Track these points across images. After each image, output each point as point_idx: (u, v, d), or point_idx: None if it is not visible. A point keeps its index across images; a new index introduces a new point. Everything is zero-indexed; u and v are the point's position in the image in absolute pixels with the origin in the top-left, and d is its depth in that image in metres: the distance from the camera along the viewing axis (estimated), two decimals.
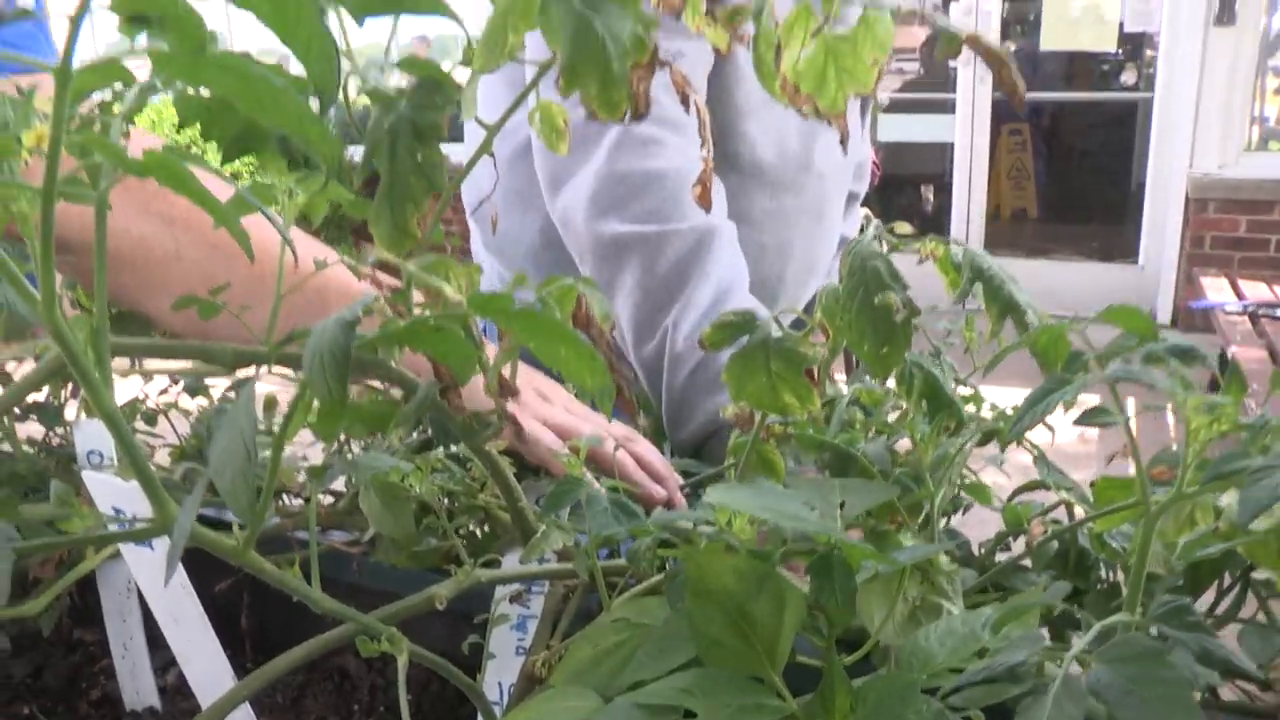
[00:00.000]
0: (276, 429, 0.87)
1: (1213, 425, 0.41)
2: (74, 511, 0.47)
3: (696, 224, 1.00)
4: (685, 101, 0.58)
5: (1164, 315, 5.50)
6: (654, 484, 0.79)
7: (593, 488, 0.53)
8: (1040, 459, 0.68)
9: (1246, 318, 3.89)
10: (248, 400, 0.38)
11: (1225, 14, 5.03)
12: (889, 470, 0.61)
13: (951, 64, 5.63)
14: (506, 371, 0.46)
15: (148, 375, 0.91)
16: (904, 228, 0.58)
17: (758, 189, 1.16)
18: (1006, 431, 0.51)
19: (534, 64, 0.54)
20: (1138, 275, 5.61)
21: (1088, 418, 0.47)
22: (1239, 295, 4.25)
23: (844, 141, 0.59)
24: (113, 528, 0.60)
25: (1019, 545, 0.70)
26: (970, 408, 0.70)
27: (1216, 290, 4.35)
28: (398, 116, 0.54)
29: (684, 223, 0.99)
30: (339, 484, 0.91)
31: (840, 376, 0.91)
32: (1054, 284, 5.81)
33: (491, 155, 0.59)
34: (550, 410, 0.79)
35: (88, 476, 0.55)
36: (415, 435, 0.81)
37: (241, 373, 0.62)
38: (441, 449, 0.71)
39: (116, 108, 0.40)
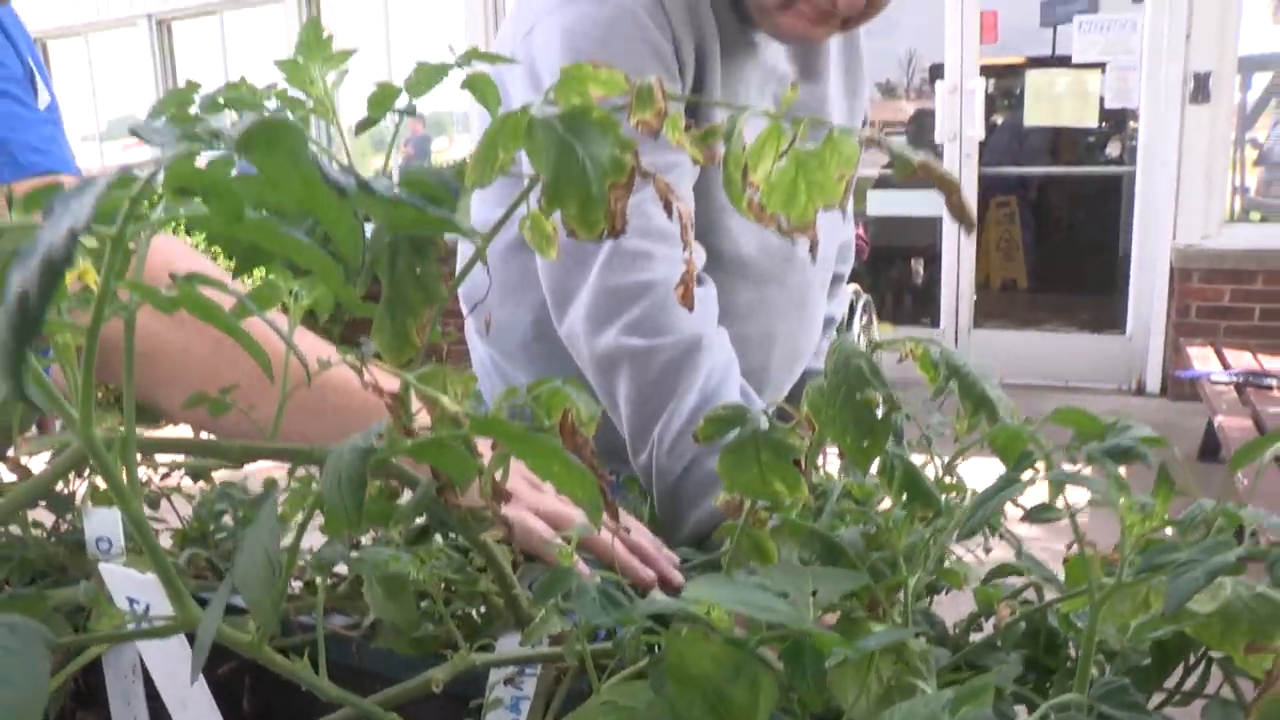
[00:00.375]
0: (281, 509, 0.90)
1: (1145, 522, 0.45)
2: (103, 609, 0.50)
3: (682, 336, 1.04)
4: (669, 208, 0.62)
5: (1153, 384, 5.55)
6: (644, 567, 0.82)
7: (583, 577, 0.56)
8: (1014, 543, 0.72)
9: (1232, 387, 3.94)
10: (270, 516, 0.42)
11: (1200, 93, 5.17)
12: (866, 556, 0.64)
13: (937, 140, 5.75)
14: (499, 475, 0.50)
15: (154, 464, 0.94)
16: (886, 329, 0.62)
17: (741, 282, 1.21)
18: (962, 525, 0.55)
19: (525, 176, 0.58)
20: (1126, 345, 5.67)
21: (1034, 514, 0.50)
22: (1224, 365, 4.30)
23: (813, 250, 0.63)
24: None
25: (991, 625, 0.73)
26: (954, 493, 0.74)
27: (1202, 360, 4.41)
28: (397, 233, 0.59)
29: (670, 335, 1.03)
30: (340, 566, 0.94)
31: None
32: (1044, 355, 5.88)
33: (485, 262, 0.63)
34: (542, 498, 0.82)
35: (104, 568, 0.58)
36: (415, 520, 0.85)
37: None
38: (439, 537, 0.75)
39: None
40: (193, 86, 0.67)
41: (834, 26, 1.16)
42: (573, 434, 0.50)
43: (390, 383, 0.51)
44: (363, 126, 0.65)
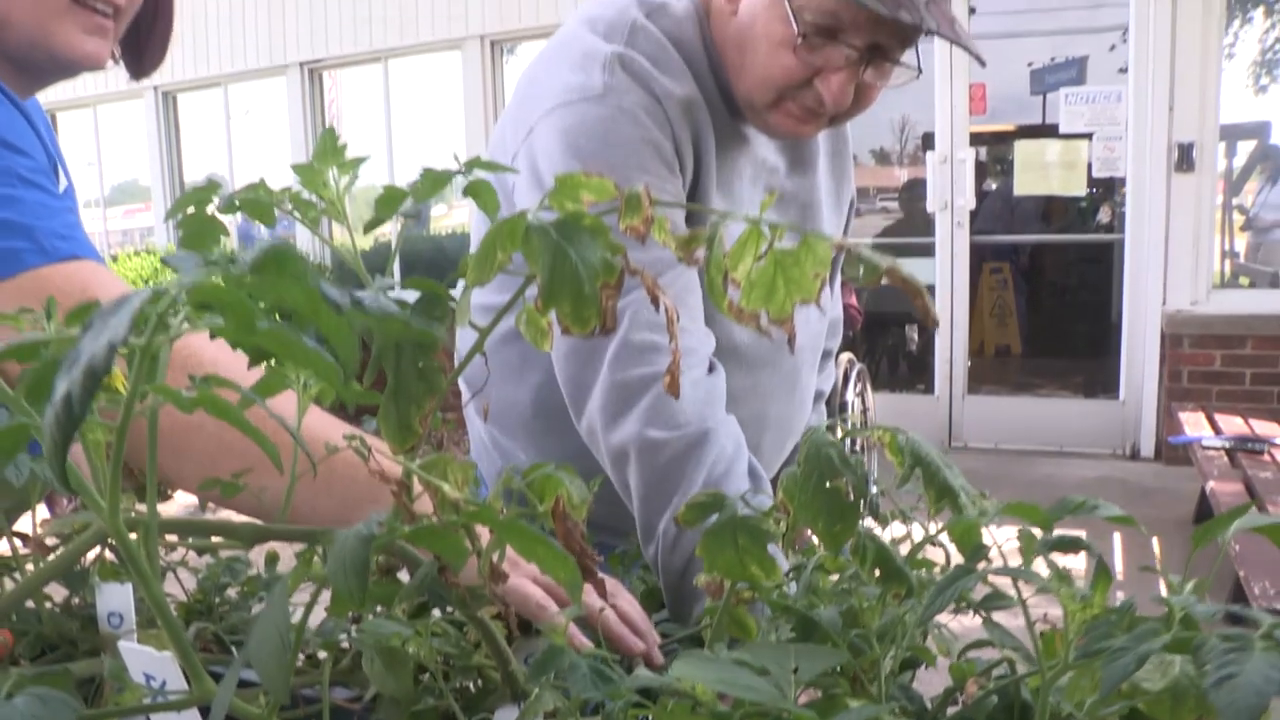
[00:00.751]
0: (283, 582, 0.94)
1: (1085, 610, 0.49)
2: (125, 684, 0.53)
3: (688, 430, 1.06)
4: (656, 304, 0.67)
5: (1148, 449, 5.59)
6: (634, 638, 0.85)
7: (574, 655, 0.59)
8: (987, 621, 0.75)
9: (1223, 452, 3.97)
10: (281, 597, 0.45)
11: (1184, 162, 5.29)
12: (843, 634, 0.67)
13: (929, 209, 5.84)
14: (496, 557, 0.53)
15: (163, 539, 0.97)
16: (854, 418, 0.66)
17: (735, 367, 1.24)
18: (922, 614, 0.58)
19: (520, 274, 0.63)
20: (1119, 410, 5.71)
21: (986, 603, 0.54)
22: (1216, 430, 4.34)
23: (791, 343, 0.68)
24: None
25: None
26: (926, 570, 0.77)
27: (1194, 425, 4.45)
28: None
29: (676, 430, 1.06)
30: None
31: None
32: (1038, 420, 5.92)
33: (484, 354, 0.67)
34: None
35: (123, 646, 0.61)
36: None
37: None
38: (438, 612, 0.78)
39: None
40: (213, 186, 0.71)
41: (822, 124, 1.21)
42: (563, 518, 0.53)
43: (395, 467, 0.55)
44: (370, 227, 0.70)
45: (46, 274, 0.92)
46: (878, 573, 0.67)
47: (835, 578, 0.73)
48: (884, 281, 0.59)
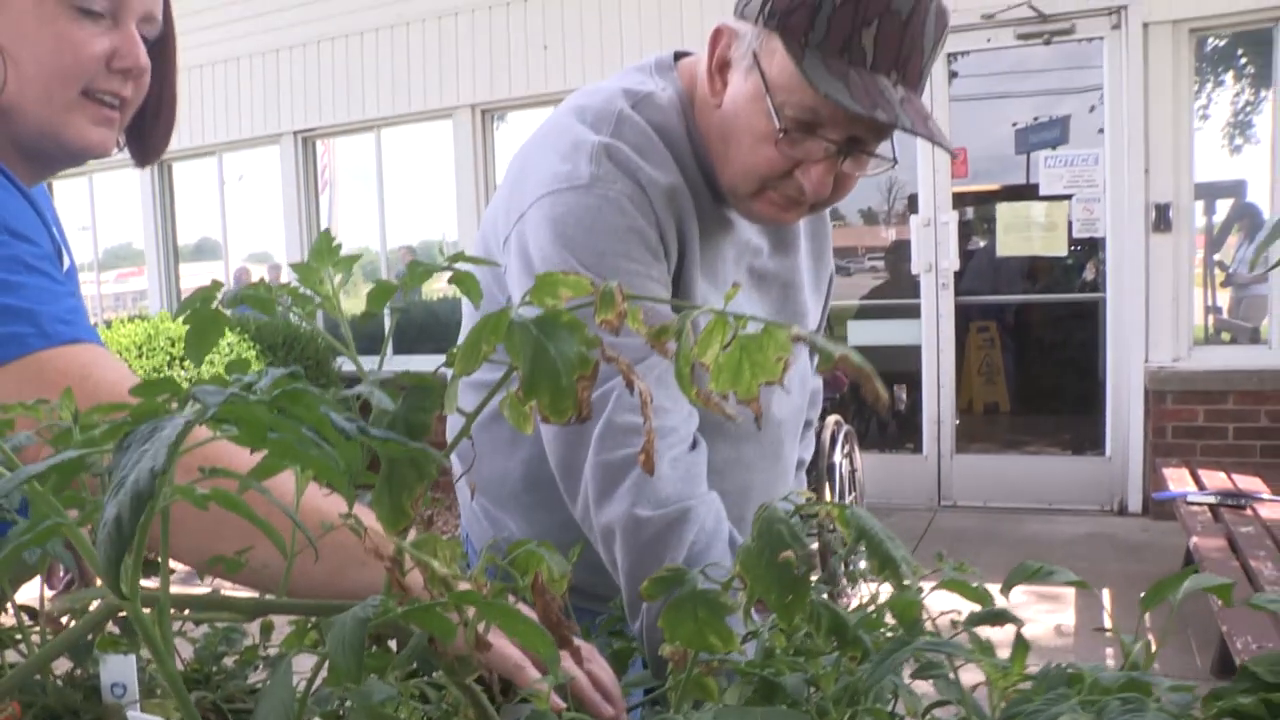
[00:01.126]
0: (274, 651, 0.98)
1: (1006, 678, 0.54)
2: None
3: (669, 508, 1.11)
4: (630, 387, 0.72)
5: (1135, 504, 5.64)
6: (604, 704, 0.89)
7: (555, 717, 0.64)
8: (940, 679, 0.80)
9: (1207, 508, 4.02)
10: (286, 673, 0.50)
11: (1161, 221, 5.40)
12: (805, 698, 0.72)
13: (914, 271, 5.94)
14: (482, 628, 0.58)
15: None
16: (808, 495, 0.71)
17: (719, 440, 1.29)
18: (865, 684, 0.63)
19: (503, 364, 0.68)
20: (1106, 466, 5.77)
21: (922, 671, 0.59)
22: (1199, 485, 4.39)
23: (758, 420, 0.73)
24: None
25: None
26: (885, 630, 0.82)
27: (1178, 480, 4.50)
28: (394, 416, 0.68)
29: (659, 508, 1.11)
30: None
31: None
32: (1027, 477, 5.96)
33: (470, 437, 0.73)
34: None
35: (132, 717, 0.66)
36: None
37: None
38: (424, 676, 0.82)
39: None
40: (216, 285, 0.77)
41: (803, 211, 1.26)
42: (542, 593, 0.58)
43: (388, 545, 0.60)
44: (363, 320, 0.75)
45: (48, 357, 0.97)
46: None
47: (793, 642, 0.78)
48: (850, 358, 0.64)
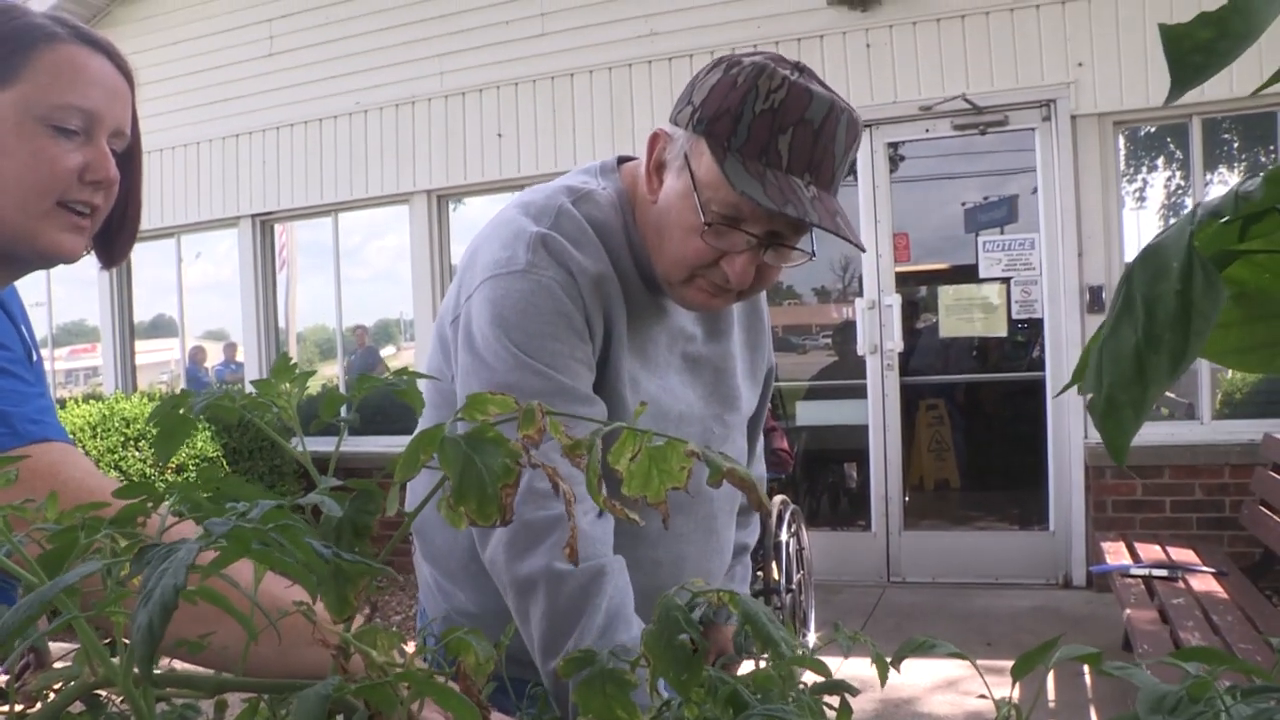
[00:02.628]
0: None
1: None
2: None
3: (588, 565, 1.22)
4: (555, 488, 0.82)
5: (1079, 577, 5.76)
6: None
7: None
8: None
9: (1141, 580, 4.15)
10: None
11: (1095, 303, 5.62)
12: None
13: (859, 352, 6.10)
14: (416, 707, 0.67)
15: None
16: (698, 583, 0.82)
17: (652, 511, 1.39)
18: None
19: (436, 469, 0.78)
20: (1050, 540, 5.90)
21: None
22: (1135, 558, 4.53)
23: (665, 522, 0.83)
24: None
25: None
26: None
27: (1115, 554, 4.64)
28: (341, 518, 0.78)
29: (577, 565, 1.22)
30: None
31: None
32: (975, 552, 6.08)
33: (411, 535, 0.82)
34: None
35: None
36: None
37: None
38: None
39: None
40: (187, 395, 0.86)
41: (730, 298, 1.38)
42: (464, 679, 0.68)
43: (335, 640, 0.69)
44: (315, 429, 0.85)
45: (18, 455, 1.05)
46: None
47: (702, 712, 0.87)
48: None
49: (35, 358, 1.32)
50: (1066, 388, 0.59)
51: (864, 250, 1.37)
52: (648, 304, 1.42)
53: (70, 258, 1.21)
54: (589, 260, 1.34)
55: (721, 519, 1.55)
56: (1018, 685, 0.75)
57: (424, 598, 1.57)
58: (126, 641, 0.79)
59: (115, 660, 0.73)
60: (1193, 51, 0.38)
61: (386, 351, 8.35)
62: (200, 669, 0.94)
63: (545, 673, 1.23)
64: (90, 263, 1.36)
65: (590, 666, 0.76)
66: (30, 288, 8.94)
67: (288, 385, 0.87)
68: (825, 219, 1.24)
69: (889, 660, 0.83)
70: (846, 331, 6.52)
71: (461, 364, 1.35)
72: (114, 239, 1.33)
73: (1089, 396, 0.44)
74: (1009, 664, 0.75)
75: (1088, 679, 4.32)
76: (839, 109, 1.25)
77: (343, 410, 0.88)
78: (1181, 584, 4.06)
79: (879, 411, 6.08)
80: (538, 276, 1.31)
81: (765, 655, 0.98)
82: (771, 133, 1.23)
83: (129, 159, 1.26)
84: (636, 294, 1.40)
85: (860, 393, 6.16)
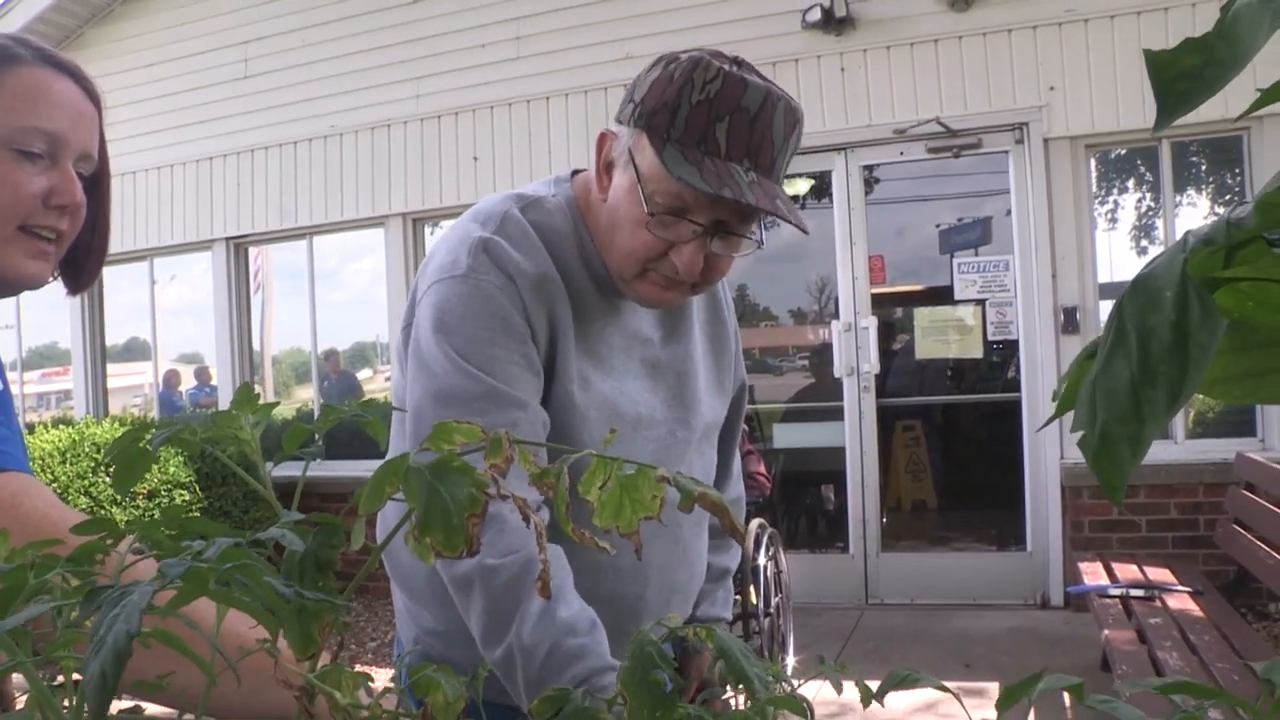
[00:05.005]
0: None
1: None
2: None
3: (516, 556, 1.24)
4: (527, 520, 0.80)
5: (1057, 598, 5.77)
6: None
7: None
8: None
9: (1119, 600, 4.15)
10: None
11: (1069, 324, 5.65)
12: None
13: (836, 374, 6.11)
14: None
15: None
16: (676, 620, 0.80)
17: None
18: None
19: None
20: (1028, 561, 5.91)
21: None
22: (1112, 578, 4.53)
23: (638, 553, 0.81)
24: None
25: None
26: None
27: (1092, 574, 4.64)
28: (305, 553, 0.75)
29: (509, 555, 1.24)
30: None
31: None
32: (952, 573, 6.08)
33: (382, 563, 0.80)
34: None
35: None
36: None
37: None
38: None
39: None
40: (147, 425, 0.84)
41: (684, 290, 1.39)
42: (431, 718, 0.66)
43: (298, 683, 0.67)
44: (278, 461, 0.83)
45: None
46: None
47: None
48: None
49: (1, 386, 1.29)
50: (1050, 420, 0.57)
51: (807, 233, 1.38)
52: (600, 306, 1.44)
53: (34, 283, 1.19)
54: (530, 263, 1.37)
55: (687, 528, 1.54)
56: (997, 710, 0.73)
57: (398, 620, 1.57)
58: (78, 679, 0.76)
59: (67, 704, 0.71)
60: (1178, 79, 0.36)
61: (364, 374, 8.30)
62: (160, 709, 0.92)
63: (490, 659, 1.25)
64: (62, 286, 1.34)
65: (565, 705, 0.74)
66: (0, 310, 8.85)
67: (250, 416, 0.85)
68: (763, 201, 1.26)
69: (873, 691, 0.81)
70: (823, 354, 6.53)
71: (409, 369, 1.38)
72: (81, 264, 1.31)
73: (1080, 434, 0.43)
74: (988, 685, 0.74)
75: (1066, 699, 4.31)
76: (775, 96, 1.28)
77: (316, 438, 0.86)
78: (1158, 603, 4.07)
79: (856, 433, 6.08)
80: (477, 280, 1.34)
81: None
82: (708, 121, 1.26)
83: (96, 183, 1.24)
84: (586, 296, 1.42)
85: (837, 415, 6.16)
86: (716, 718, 0.78)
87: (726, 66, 1.28)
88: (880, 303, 6.33)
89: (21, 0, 7.95)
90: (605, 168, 1.39)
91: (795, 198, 6.91)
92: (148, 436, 0.85)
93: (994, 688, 4.41)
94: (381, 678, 1.87)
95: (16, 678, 0.84)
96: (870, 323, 6.06)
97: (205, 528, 0.70)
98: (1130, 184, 6.24)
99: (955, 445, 8.19)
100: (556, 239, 1.41)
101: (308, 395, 7.97)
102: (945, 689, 0.84)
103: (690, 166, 1.25)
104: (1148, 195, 6.11)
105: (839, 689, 0.78)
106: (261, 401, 0.85)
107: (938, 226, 6.82)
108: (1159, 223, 5.94)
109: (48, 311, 8.91)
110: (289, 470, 0.84)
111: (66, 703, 0.65)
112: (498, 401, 1.30)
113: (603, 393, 1.42)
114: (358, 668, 0.74)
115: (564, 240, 1.41)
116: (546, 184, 1.49)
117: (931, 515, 7.81)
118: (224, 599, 0.53)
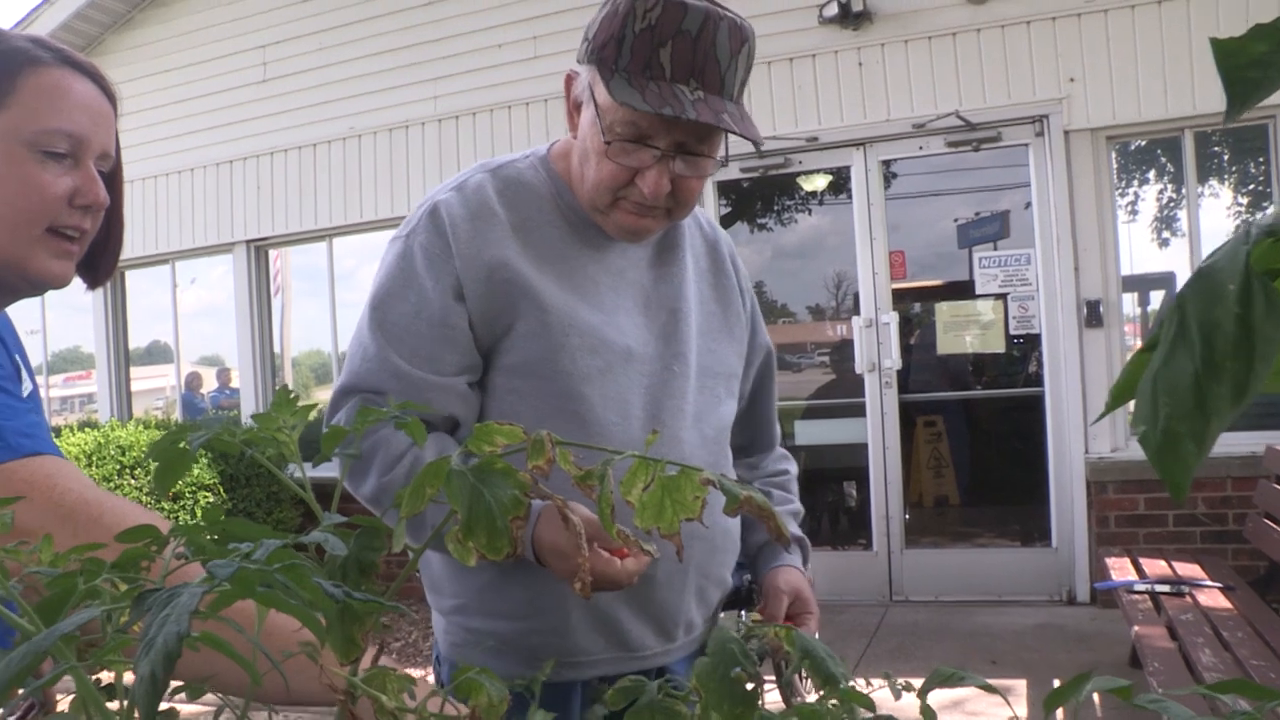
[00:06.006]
0: None
1: None
2: None
3: (402, 449, 1.42)
4: (565, 520, 0.79)
5: (1083, 594, 5.72)
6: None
7: None
8: None
9: (1147, 596, 4.11)
10: None
11: (1093, 317, 5.61)
12: None
13: (857, 370, 6.09)
14: None
15: None
16: (756, 616, 0.79)
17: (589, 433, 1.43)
18: None
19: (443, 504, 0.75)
20: (1053, 556, 5.87)
21: None
22: (1140, 573, 4.50)
23: (679, 554, 0.81)
24: None
25: None
26: None
27: (1120, 570, 4.60)
28: (345, 556, 0.75)
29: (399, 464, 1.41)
30: None
31: None
32: (976, 569, 6.04)
33: (418, 571, 0.80)
34: None
35: None
36: None
37: None
38: None
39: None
40: (186, 429, 0.84)
41: (659, 215, 1.45)
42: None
43: (341, 685, 0.66)
44: (317, 462, 0.83)
45: (13, 468, 1.03)
46: None
47: None
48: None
49: (30, 387, 1.30)
50: (1103, 415, 0.57)
51: (760, 144, 1.42)
52: (580, 247, 1.49)
53: (59, 283, 1.20)
54: (481, 214, 1.45)
55: (688, 443, 1.54)
56: (1025, 704, 0.73)
57: (436, 623, 1.61)
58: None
59: (113, 706, 0.71)
60: (1248, 66, 0.36)
61: None
62: (195, 708, 0.91)
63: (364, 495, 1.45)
64: (83, 289, 1.36)
65: (640, 697, 0.74)
66: (25, 315, 8.91)
67: (288, 418, 0.85)
68: (706, 115, 1.32)
69: (916, 691, 0.81)
70: (843, 350, 6.50)
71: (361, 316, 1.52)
72: (98, 260, 1.33)
73: (1140, 430, 0.42)
74: (1015, 683, 0.74)
75: (1095, 695, 4.28)
76: (716, 16, 1.34)
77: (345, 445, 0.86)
78: (1188, 599, 4.03)
79: (878, 429, 6.06)
80: (410, 241, 1.46)
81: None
82: (651, 48, 1.33)
83: (111, 180, 1.26)
84: (563, 240, 1.49)
85: (858, 411, 6.13)
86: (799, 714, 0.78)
87: None
88: (900, 298, 6.30)
89: (45, 9, 8.01)
90: (575, 107, 1.46)
91: (813, 193, 6.89)
92: (187, 438, 0.85)
93: (1021, 685, 4.38)
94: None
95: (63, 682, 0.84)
96: (891, 318, 6.03)
97: (245, 530, 0.70)
98: (1151, 175, 6.19)
99: (978, 440, 8.14)
100: (526, 192, 1.49)
101: (327, 396, 7.99)
102: (991, 689, 0.83)
103: (634, 91, 1.32)
104: (1169, 186, 6.06)
105: (897, 695, 0.77)
106: None
107: (955, 221, 6.78)
108: (1181, 214, 5.89)
109: (71, 315, 8.98)
110: (317, 473, 0.84)
111: (114, 704, 0.65)
112: (380, 363, 1.44)
113: (588, 322, 1.46)
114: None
115: (534, 190, 1.50)
116: (522, 153, 1.58)
117: (955, 511, 7.77)
118: (269, 601, 0.53)
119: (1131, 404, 0.47)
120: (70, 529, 0.99)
